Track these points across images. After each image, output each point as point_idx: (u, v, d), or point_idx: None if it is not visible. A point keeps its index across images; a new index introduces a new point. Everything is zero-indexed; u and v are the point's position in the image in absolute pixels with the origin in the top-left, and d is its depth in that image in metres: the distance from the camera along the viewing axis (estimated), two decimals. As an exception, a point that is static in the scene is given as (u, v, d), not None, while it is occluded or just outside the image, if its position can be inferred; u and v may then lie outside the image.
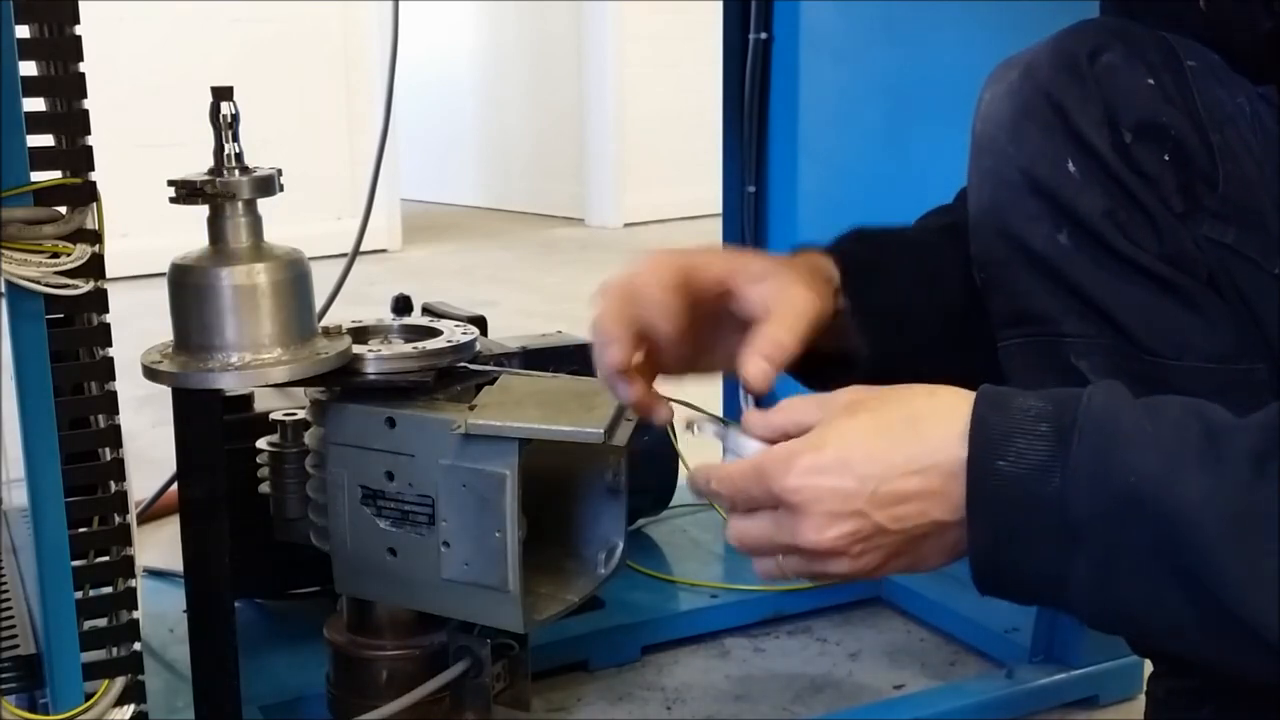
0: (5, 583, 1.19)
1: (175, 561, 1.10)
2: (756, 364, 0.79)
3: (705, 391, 1.86)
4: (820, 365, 0.88)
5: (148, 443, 1.92)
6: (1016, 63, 0.85)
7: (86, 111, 0.85)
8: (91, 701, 0.88)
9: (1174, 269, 0.80)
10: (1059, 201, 0.81)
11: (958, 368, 0.90)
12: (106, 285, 0.85)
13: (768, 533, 0.72)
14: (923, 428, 0.69)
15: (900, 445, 0.69)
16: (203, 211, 0.96)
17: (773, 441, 0.74)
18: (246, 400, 1.27)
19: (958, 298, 0.91)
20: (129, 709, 0.90)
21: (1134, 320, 0.81)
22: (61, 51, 0.84)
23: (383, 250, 4.33)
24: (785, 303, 0.82)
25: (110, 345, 0.88)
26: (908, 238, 0.95)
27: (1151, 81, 0.80)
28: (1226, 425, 0.64)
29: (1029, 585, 0.68)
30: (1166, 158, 0.80)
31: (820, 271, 0.88)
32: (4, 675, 0.97)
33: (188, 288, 0.94)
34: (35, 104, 0.84)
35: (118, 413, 0.90)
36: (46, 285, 0.81)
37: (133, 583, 0.92)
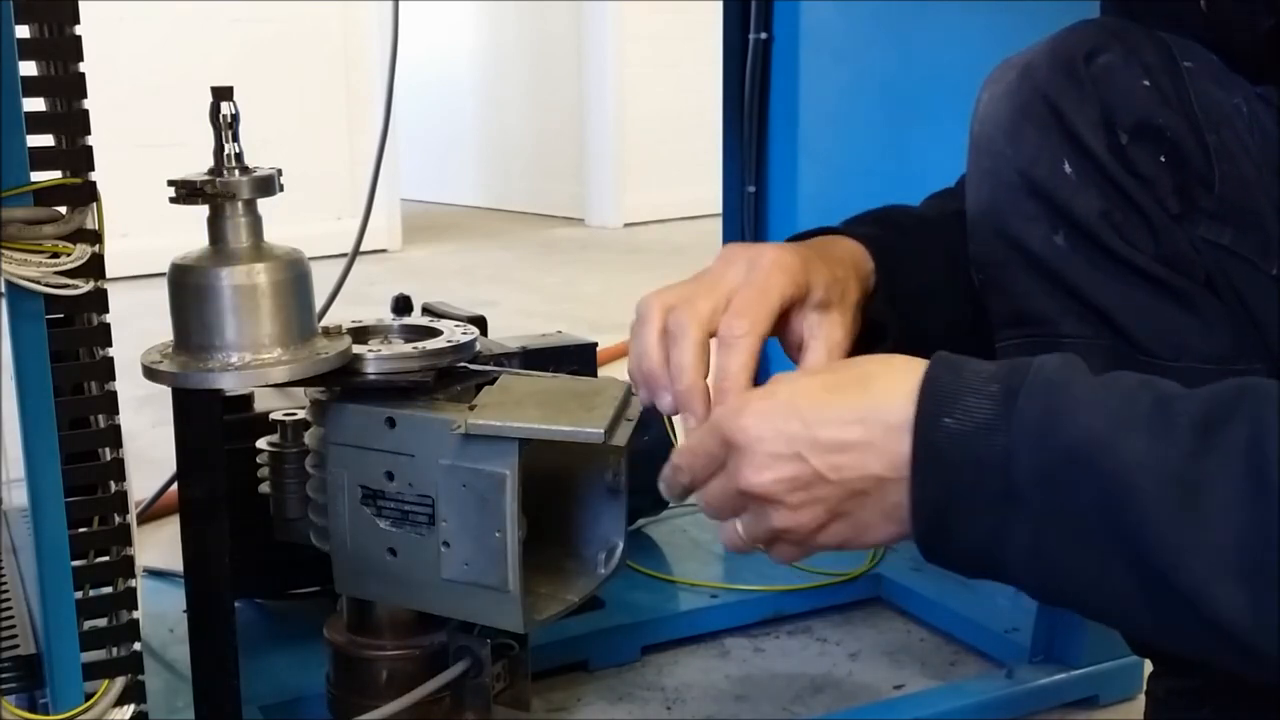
0: (5, 583, 1.19)
1: (175, 561, 1.10)
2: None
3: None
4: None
5: (148, 443, 1.92)
6: (1014, 64, 0.85)
7: (86, 111, 0.85)
8: (91, 701, 0.88)
9: (1170, 270, 0.80)
10: (1055, 203, 0.81)
11: (982, 348, 0.91)
12: (106, 285, 0.85)
13: (722, 483, 0.72)
14: (873, 383, 0.69)
15: (848, 396, 0.69)
16: (203, 211, 0.96)
17: None
18: (246, 400, 1.27)
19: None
20: (129, 709, 0.90)
21: (1131, 321, 0.81)
22: (61, 51, 0.84)
23: (383, 250, 4.33)
24: (825, 352, 0.84)
25: (110, 345, 0.88)
26: (928, 221, 0.96)
27: (1148, 83, 0.80)
28: (1177, 394, 0.63)
29: (969, 550, 0.66)
30: (1163, 159, 0.80)
31: (860, 269, 0.88)
32: (4, 675, 0.97)
33: (188, 288, 0.94)
34: (35, 104, 0.84)
35: (118, 413, 0.90)
36: (46, 285, 0.81)
37: (133, 583, 0.92)
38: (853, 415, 0.68)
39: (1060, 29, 0.85)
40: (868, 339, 0.89)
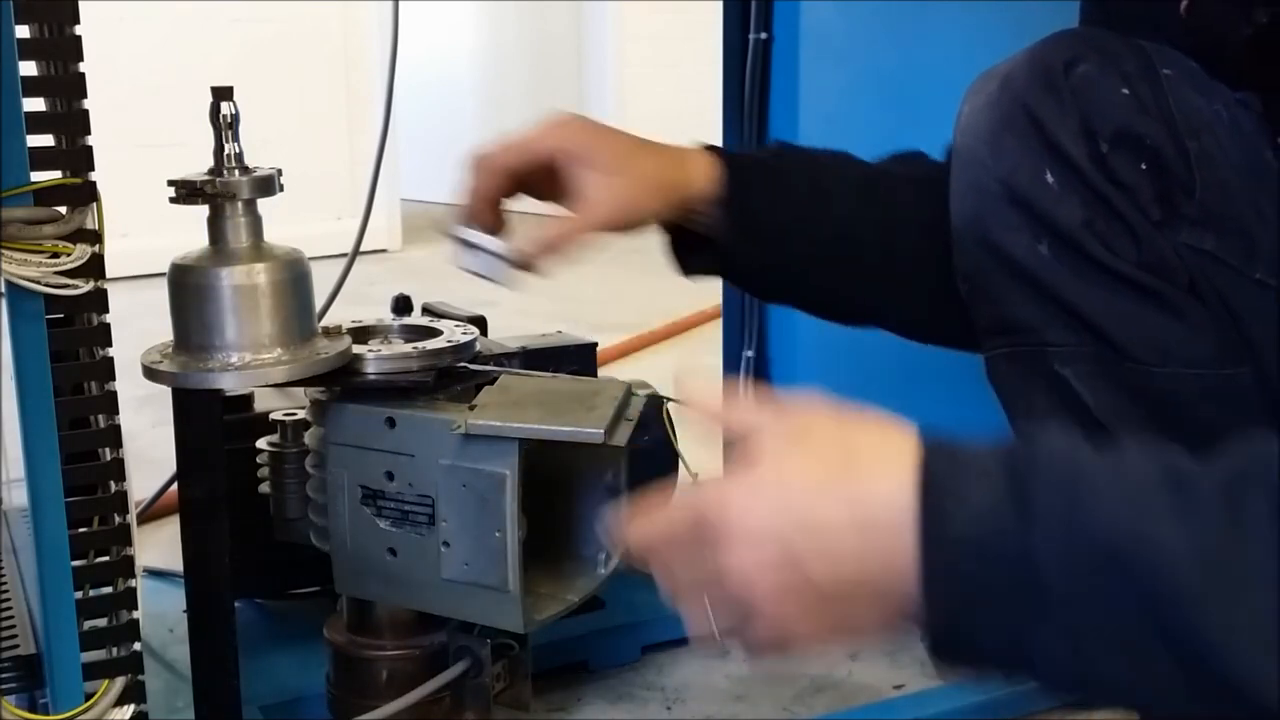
0: (5, 583, 1.19)
1: (175, 561, 1.10)
2: (543, 254, 0.97)
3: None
4: (690, 246, 0.99)
5: (148, 443, 1.91)
6: (994, 75, 0.86)
7: (86, 111, 0.85)
8: (91, 701, 0.88)
9: (1154, 276, 0.81)
10: (1038, 212, 0.82)
11: (847, 292, 1.01)
12: (106, 285, 0.85)
13: (698, 564, 0.65)
14: (860, 465, 0.63)
15: (838, 488, 0.63)
16: (203, 211, 0.96)
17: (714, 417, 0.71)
18: (246, 400, 1.27)
19: (852, 228, 0.97)
20: (129, 709, 0.90)
21: (1116, 328, 0.82)
22: (62, 51, 0.84)
23: (383, 250, 4.33)
24: (597, 202, 0.95)
25: (110, 345, 0.88)
26: (830, 164, 1.02)
27: (1127, 91, 0.81)
28: (1189, 468, 0.59)
29: (991, 655, 0.62)
30: (1143, 167, 0.80)
31: (680, 172, 0.96)
32: (4, 675, 0.97)
33: (188, 288, 0.94)
34: (35, 104, 0.84)
35: (118, 413, 0.90)
36: (46, 285, 0.81)
37: (133, 583, 0.92)
38: (847, 516, 0.62)
39: (1038, 40, 0.86)
40: (695, 243, 0.98)
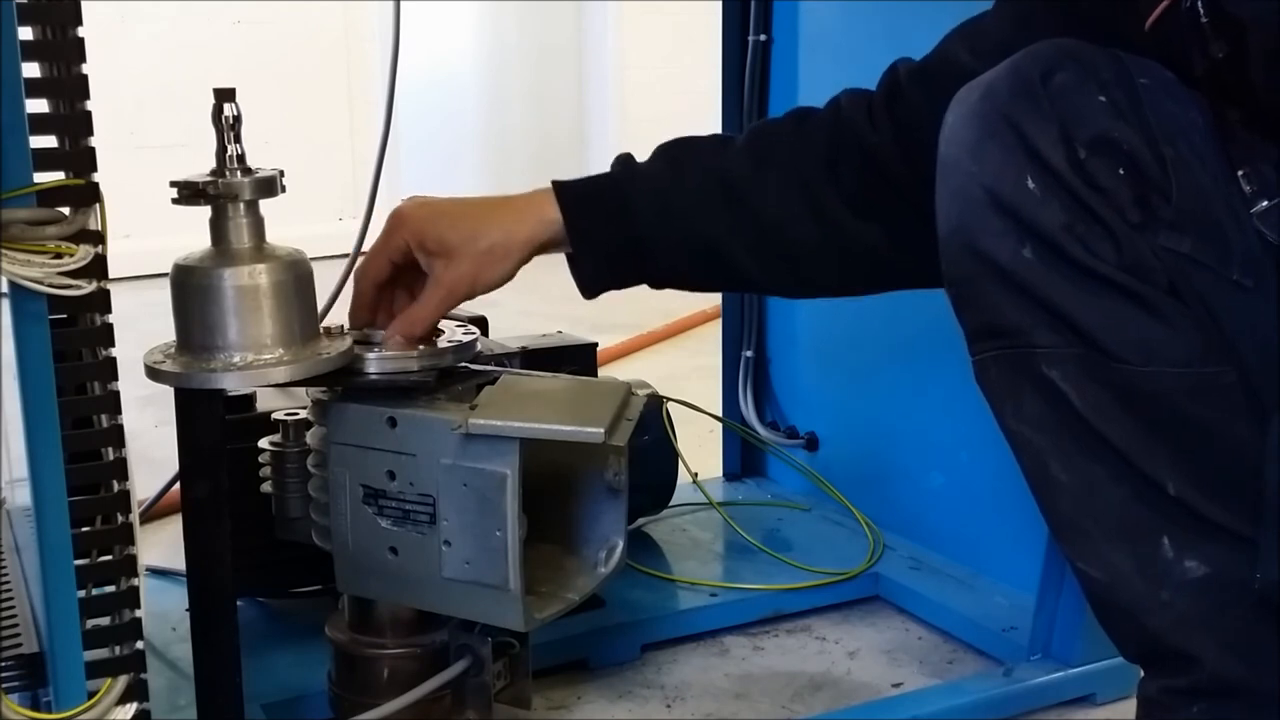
0: (8, 581, 1.20)
1: (178, 560, 1.11)
2: (395, 340, 1.04)
3: (705, 389, 1.86)
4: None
5: (150, 442, 1.92)
6: (977, 86, 0.88)
7: (89, 113, 0.86)
8: (94, 700, 0.89)
9: (1134, 278, 0.82)
10: (1020, 217, 0.84)
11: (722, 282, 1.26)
12: (109, 286, 0.85)
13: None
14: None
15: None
16: (205, 212, 0.96)
17: None
18: (248, 400, 1.28)
19: (713, 238, 1.09)
20: (131, 707, 0.90)
21: (1100, 329, 0.83)
22: (64, 53, 0.84)
23: (384, 251, 4.33)
24: (438, 285, 1.05)
25: (113, 345, 0.89)
26: (656, 180, 1.13)
27: (1104, 99, 0.83)
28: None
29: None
30: (1121, 171, 0.82)
31: (524, 227, 1.08)
32: (7, 674, 0.98)
33: (190, 288, 0.94)
34: (38, 105, 0.84)
35: (120, 412, 0.90)
36: (49, 286, 0.81)
37: (135, 582, 0.92)
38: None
39: (1019, 51, 0.87)
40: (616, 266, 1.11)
